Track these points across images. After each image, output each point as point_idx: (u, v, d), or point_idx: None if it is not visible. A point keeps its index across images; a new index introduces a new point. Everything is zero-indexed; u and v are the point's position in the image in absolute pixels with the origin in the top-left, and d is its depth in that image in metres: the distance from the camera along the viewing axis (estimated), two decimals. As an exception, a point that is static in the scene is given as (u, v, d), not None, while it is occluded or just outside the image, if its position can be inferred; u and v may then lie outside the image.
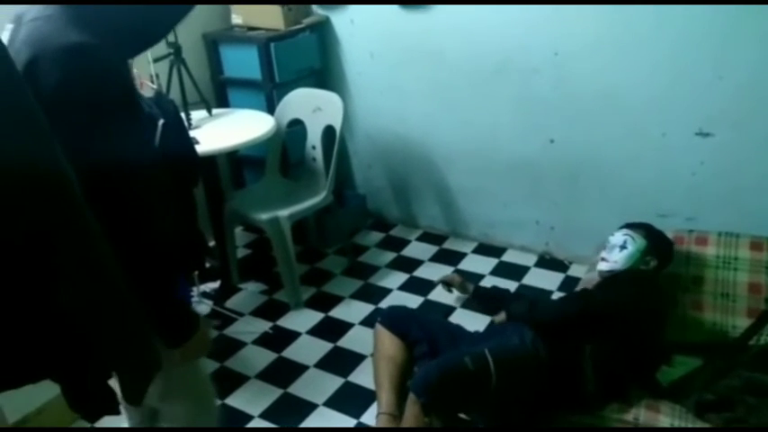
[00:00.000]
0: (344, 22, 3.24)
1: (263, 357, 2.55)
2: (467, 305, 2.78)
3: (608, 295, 1.96)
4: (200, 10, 3.27)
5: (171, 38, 2.72)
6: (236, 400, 2.34)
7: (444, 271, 3.06)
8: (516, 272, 3.05)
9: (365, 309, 2.84)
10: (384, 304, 2.86)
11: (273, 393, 2.36)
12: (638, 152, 2.69)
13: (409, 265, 3.18)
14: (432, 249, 3.32)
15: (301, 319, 2.78)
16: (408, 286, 3.01)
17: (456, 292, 2.76)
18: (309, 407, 2.29)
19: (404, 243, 3.39)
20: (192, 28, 3.16)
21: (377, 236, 3.49)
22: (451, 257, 3.23)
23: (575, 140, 2.83)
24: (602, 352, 1.84)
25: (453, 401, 1.85)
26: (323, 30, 3.29)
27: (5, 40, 1.12)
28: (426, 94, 3.14)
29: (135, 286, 1.12)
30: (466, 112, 3.07)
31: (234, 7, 3.27)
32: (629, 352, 1.88)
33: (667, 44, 2.45)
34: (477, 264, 3.15)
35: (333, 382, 2.40)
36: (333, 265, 3.22)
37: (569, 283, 2.86)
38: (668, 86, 2.51)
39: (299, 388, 2.38)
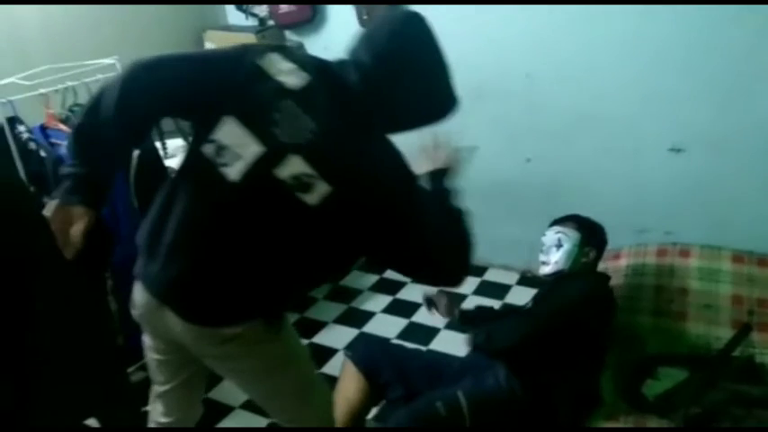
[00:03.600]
0: (318, 48, 3.24)
1: (247, 387, 2.51)
2: (452, 326, 2.77)
3: (557, 299, 1.89)
4: (173, 39, 3.27)
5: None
6: (220, 433, 2.30)
7: (428, 292, 3.06)
8: (498, 290, 3.05)
9: (349, 333, 2.81)
10: (368, 328, 2.84)
11: (259, 424, 2.32)
12: (612, 169, 2.73)
13: (392, 287, 3.17)
14: (414, 271, 3.31)
15: (285, 347, 2.74)
16: (392, 309, 3.00)
17: (437, 315, 2.66)
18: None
19: (385, 265, 3.38)
20: (166, 57, 3.15)
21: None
22: (434, 278, 3.21)
23: (550, 159, 2.86)
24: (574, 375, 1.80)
25: None
26: (298, 56, 3.30)
27: (296, 82, 1.30)
28: (403, 116, 3.16)
29: None
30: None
31: (208, 35, 3.28)
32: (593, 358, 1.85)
33: (638, 62, 2.50)
34: (459, 284, 3.14)
35: (319, 410, 2.36)
36: (315, 290, 3.19)
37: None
38: (640, 104, 2.56)
39: (285, 417, 2.34)
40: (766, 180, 2.42)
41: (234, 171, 1.28)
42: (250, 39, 3.14)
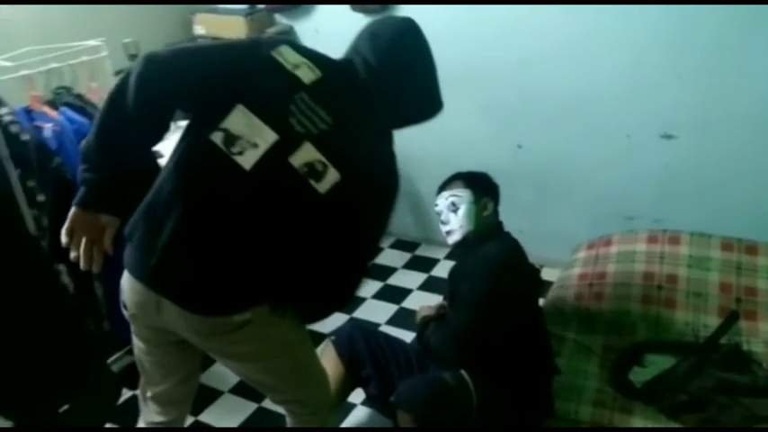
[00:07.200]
0: (309, 30, 3.21)
1: (236, 372, 2.50)
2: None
3: (475, 291, 1.76)
4: (162, 21, 3.22)
5: (132, 50, 2.66)
6: (209, 416, 2.29)
7: (418, 278, 3.07)
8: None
9: (339, 319, 2.79)
10: (358, 314, 2.84)
11: (248, 408, 2.32)
12: (603, 155, 2.72)
13: (383, 272, 3.16)
14: (405, 256, 3.32)
15: (274, 333, 2.73)
16: (382, 294, 2.99)
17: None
18: (284, 420, 2.25)
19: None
20: (154, 39, 3.09)
21: (349, 245, 3.46)
22: (424, 264, 3.22)
23: (542, 145, 2.85)
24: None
25: (440, 417, 1.70)
26: (288, 39, 3.27)
27: (310, 77, 1.36)
28: (394, 101, 3.13)
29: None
30: (434, 120, 3.06)
31: (197, 17, 3.23)
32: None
33: (628, 48, 2.49)
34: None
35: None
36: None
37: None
38: (631, 90, 2.55)
39: (274, 403, 2.34)
40: (755, 166, 2.42)
41: (248, 159, 1.31)
42: (239, 21, 3.10)
